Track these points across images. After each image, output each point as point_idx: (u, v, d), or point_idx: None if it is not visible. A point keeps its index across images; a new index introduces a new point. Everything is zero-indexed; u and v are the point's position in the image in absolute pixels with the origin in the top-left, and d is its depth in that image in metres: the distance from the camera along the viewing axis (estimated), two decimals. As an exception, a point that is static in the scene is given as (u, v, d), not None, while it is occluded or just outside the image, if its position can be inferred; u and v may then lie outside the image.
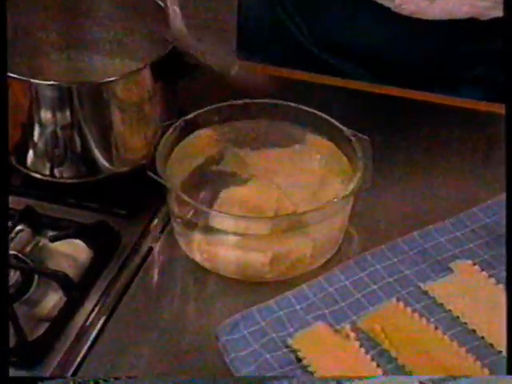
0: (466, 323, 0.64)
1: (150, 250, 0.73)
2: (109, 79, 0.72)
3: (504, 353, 0.62)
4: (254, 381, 0.58)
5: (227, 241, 0.70)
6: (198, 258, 0.72)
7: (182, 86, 0.81)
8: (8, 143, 0.71)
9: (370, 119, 0.82)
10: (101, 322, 0.66)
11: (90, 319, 0.66)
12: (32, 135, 0.74)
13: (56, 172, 0.77)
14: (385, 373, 0.61)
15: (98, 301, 0.68)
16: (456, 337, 0.63)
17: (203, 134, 0.77)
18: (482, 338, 0.63)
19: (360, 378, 0.57)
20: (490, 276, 0.68)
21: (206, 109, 0.76)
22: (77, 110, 0.72)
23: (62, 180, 0.77)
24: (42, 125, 0.73)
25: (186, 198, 0.69)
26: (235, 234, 0.70)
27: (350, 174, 0.71)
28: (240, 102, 0.77)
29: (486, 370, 0.61)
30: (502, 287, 0.67)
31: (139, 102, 0.75)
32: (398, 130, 0.84)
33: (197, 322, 0.68)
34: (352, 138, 0.71)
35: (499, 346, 0.62)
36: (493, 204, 0.75)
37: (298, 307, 0.67)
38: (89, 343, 0.65)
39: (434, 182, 0.79)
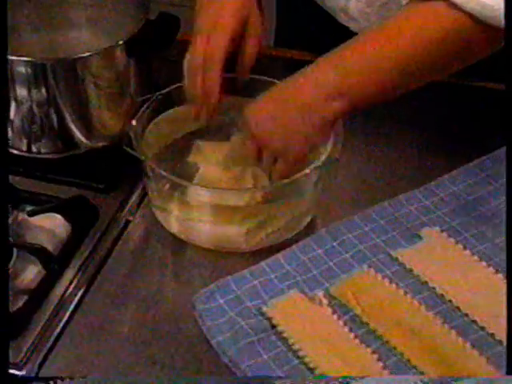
0: (434, 288, 0.64)
1: (128, 223, 0.72)
2: (83, 55, 0.70)
3: (470, 316, 0.62)
4: (256, 381, 0.56)
5: (204, 213, 0.69)
6: (174, 229, 0.71)
7: (157, 62, 0.80)
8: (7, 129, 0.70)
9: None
10: (80, 293, 0.65)
11: (69, 291, 0.65)
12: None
13: (33, 148, 0.75)
14: (356, 337, 0.61)
15: (77, 273, 0.67)
16: (424, 301, 0.63)
17: (179, 109, 0.75)
18: (450, 301, 0.63)
19: (363, 377, 0.56)
20: (458, 242, 0.68)
21: (181, 84, 0.74)
22: (52, 87, 0.70)
23: (39, 155, 0.76)
24: (17, 101, 0.71)
25: (162, 171, 0.67)
26: (211, 206, 0.69)
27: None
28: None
29: (454, 332, 0.60)
30: (468, 253, 0.67)
31: (114, 77, 0.73)
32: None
33: (174, 292, 0.67)
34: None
35: (466, 309, 0.62)
36: (460, 172, 0.74)
37: (272, 276, 0.66)
38: (68, 314, 0.64)
39: (403, 153, 0.78)
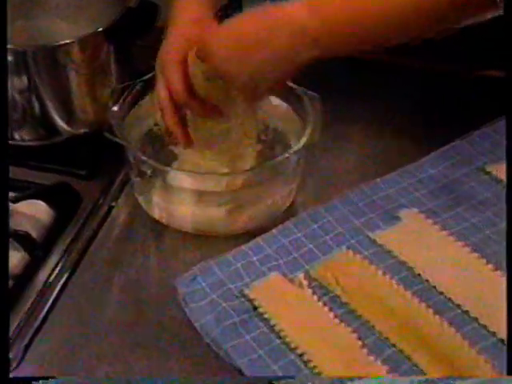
0: (412, 268, 0.65)
1: (111, 208, 0.72)
2: (63, 42, 0.69)
3: (446, 295, 0.62)
4: (259, 381, 0.56)
5: (185, 197, 0.69)
6: (156, 214, 0.71)
7: (138, 49, 0.79)
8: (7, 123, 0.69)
9: (322, 80, 0.81)
10: (63, 278, 0.65)
11: (53, 276, 0.65)
12: (-11, 99, 0.72)
13: (16, 135, 0.75)
14: (336, 317, 0.61)
15: (61, 259, 0.67)
16: (403, 281, 0.64)
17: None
18: (427, 281, 0.64)
19: (361, 378, 0.55)
20: (435, 223, 0.68)
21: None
22: (33, 74, 0.70)
23: (22, 143, 0.75)
24: (-2, 89, 0.71)
25: (143, 156, 0.67)
26: (192, 190, 0.69)
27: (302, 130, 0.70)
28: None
29: (430, 311, 0.61)
30: (445, 233, 0.67)
31: (95, 64, 0.73)
32: (348, 88, 0.83)
33: (157, 276, 0.67)
34: (303, 96, 0.70)
35: (442, 288, 0.63)
36: (437, 155, 0.75)
37: (253, 259, 0.66)
38: (52, 299, 0.64)
39: (382, 137, 0.79)
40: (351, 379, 0.54)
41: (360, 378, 0.55)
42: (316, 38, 0.60)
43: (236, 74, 0.63)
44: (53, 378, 0.56)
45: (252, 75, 0.63)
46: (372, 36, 0.62)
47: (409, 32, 0.62)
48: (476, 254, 0.65)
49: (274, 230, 0.69)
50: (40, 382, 0.56)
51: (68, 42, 0.69)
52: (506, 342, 0.59)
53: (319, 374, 0.57)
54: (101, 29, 0.71)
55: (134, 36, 0.75)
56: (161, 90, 0.66)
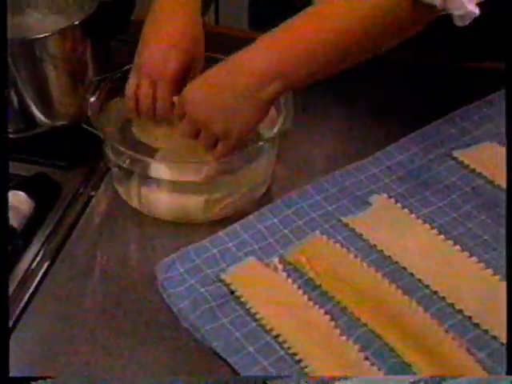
0: (382, 250, 0.65)
1: (90, 198, 0.72)
2: (40, 36, 0.68)
3: (416, 275, 0.63)
4: (256, 381, 0.56)
5: (163, 186, 0.69)
6: (135, 203, 0.70)
7: (115, 43, 0.78)
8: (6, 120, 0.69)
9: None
10: (44, 267, 0.65)
11: (34, 265, 0.65)
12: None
13: (-5, 128, 0.73)
14: (310, 299, 0.61)
15: (41, 248, 0.66)
16: (373, 263, 0.64)
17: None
18: (397, 262, 0.64)
19: (353, 378, 0.55)
20: (404, 207, 0.69)
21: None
22: (10, 67, 0.69)
23: (1, 135, 0.74)
24: (-24, 83, 0.70)
25: (121, 147, 0.67)
26: (170, 180, 0.68)
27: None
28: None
29: (400, 291, 0.61)
30: (413, 216, 0.68)
31: (72, 58, 0.72)
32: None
33: (136, 263, 0.67)
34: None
35: (411, 269, 0.63)
36: (404, 142, 0.75)
37: (230, 245, 0.66)
38: (33, 288, 0.63)
39: (353, 125, 0.79)
40: (341, 379, 0.54)
41: (348, 377, 0.54)
42: (272, 75, 0.62)
43: (211, 121, 0.64)
44: (53, 378, 0.56)
45: (226, 119, 0.64)
46: (322, 65, 0.63)
47: (361, 52, 0.64)
48: (443, 236, 0.66)
49: (249, 217, 0.69)
50: (40, 381, 0.55)
51: (45, 35, 0.68)
52: (472, 320, 0.59)
53: (294, 354, 0.58)
54: (77, 22, 0.70)
55: (110, 30, 0.74)
56: (146, 97, 0.68)
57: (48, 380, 0.55)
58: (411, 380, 0.53)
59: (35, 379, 0.55)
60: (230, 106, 0.63)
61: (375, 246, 0.65)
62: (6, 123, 0.70)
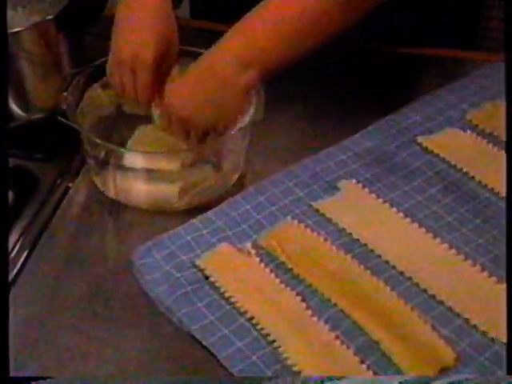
0: (351, 234, 0.65)
1: (68, 189, 0.71)
2: (13, 31, 0.67)
3: (383, 257, 0.63)
4: (246, 381, 0.55)
5: (138, 176, 0.69)
6: (112, 193, 0.70)
7: (89, 37, 0.78)
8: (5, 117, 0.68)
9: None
10: (23, 257, 0.64)
11: (12, 255, 0.64)
12: None
13: (-28, 122, 0.72)
14: (282, 282, 0.61)
15: (19, 238, 0.65)
16: (342, 246, 0.64)
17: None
18: (365, 245, 0.64)
19: (343, 378, 0.54)
20: (371, 192, 0.69)
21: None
22: (-15, 62, 0.67)
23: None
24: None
25: (96, 139, 0.66)
26: (145, 169, 0.68)
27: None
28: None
29: (368, 272, 0.62)
30: (381, 201, 0.68)
31: (46, 52, 0.71)
32: (295, 68, 0.82)
33: (114, 251, 0.67)
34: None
35: (379, 251, 0.64)
36: (372, 129, 0.75)
37: (204, 231, 0.66)
38: (11, 278, 0.63)
39: (321, 114, 0.79)
40: (333, 379, 0.54)
41: (341, 378, 0.54)
42: (248, 61, 0.62)
43: (200, 114, 0.64)
44: (53, 378, 0.55)
45: (213, 110, 0.64)
46: (296, 49, 0.64)
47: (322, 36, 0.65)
48: (409, 219, 0.66)
49: (223, 204, 0.68)
50: (40, 381, 0.55)
51: (18, 30, 0.67)
52: (436, 298, 0.60)
53: (267, 335, 0.58)
54: (50, 17, 0.69)
55: (83, 24, 0.73)
56: (128, 85, 0.67)
57: (49, 380, 0.55)
58: (400, 380, 0.53)
59: (35, 379, 0.55)
60: (214, 96, 0.63)
61: (344, 229, 0.66)
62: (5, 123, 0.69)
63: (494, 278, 0.61)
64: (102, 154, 0.68)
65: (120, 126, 0.73)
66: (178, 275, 0.62)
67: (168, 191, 0.68)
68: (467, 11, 0.86)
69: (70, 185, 0.71)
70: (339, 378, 0.53)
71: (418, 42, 0.83)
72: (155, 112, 0.69)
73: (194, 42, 0.71)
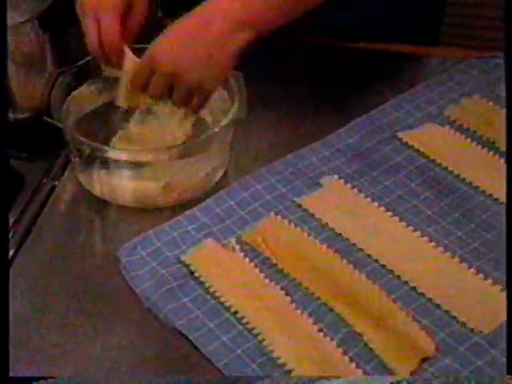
0: (333, 228, 0.65)
1: (53, 188, 0.71)
2: (-3, 31, 0.66)
3: (365, 251, 0.63)
4: (236, 381, 0.55)
5: (123, 173, 0.68)
6: (97, 191, 0.69)
7: (73, 37, 0.77)
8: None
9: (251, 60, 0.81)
10: (9, 256, 0.64)
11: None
12: None
13: (-43, 122, 0.71)
14: (266, 276, 0.61)
15: (6, 236, 0.65)
16: (325, 241, 0.64)
17: (97, 79, 0.73)
18: (347, 239, 0.65)
19: (337, 377, 0.54)
20: (353, 187, 0.69)
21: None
22: (-31, 62, 0.67)
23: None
24: None
25: (81, 137, 0.66)
26: (130, 167, 0.68)
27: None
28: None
29: (351, 266, 0.62)
30: (362, 196, 0.68)
31: (30, 52, 0.70)
32: (274, 67, 0.83)
33: (100, 248, 0.67)
34: (228, 76, 0.69)
35: (361, 245, 0.64)
36: (353, 126, 0.75)
37: (189, 228, 0.66)
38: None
39: (304, 111, 0.79)
40: (324, 379, 0.54)
41: (331, 378, 0.54)
42: (244, 22, 0.61)
43: (185, 71, 0.62)
44: (53, 378, 0.55)
45: (200, 68, 0.62)
46: (290, 10, 0.63)
47: None
48: (390, 213, 0.67)
49: (207, 200, 0.68)
50: (41, 382, 0.54)
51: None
52: (417, 290, 0.60)
53: (252, 329, 0.58)
54: (34, 16, 0.68)
55: (67, 24, 0.72)
56: (92, 33, 0.64)
57: (50, 380, 0.55)
58: (392, 381, 0.53)
59: (36, 379, 0.55)
60: (203, 55, 0.62)
61: (327, 224, 0.66)
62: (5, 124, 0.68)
63: (472, 270, 0.62)
64: (87, 152, 0.68)
65: (104, 123, 0.72)
66: (164, 271, 0.62)
67: (153, 188, 0.68)
68: (431, 8, 0.86)
69: (56, 183, 0.71)
70: (329, 379, 0.53)
71: (395, 39, 0.83)
72: (127, 67, 0.66)
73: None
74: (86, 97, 0.72)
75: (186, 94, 0.64)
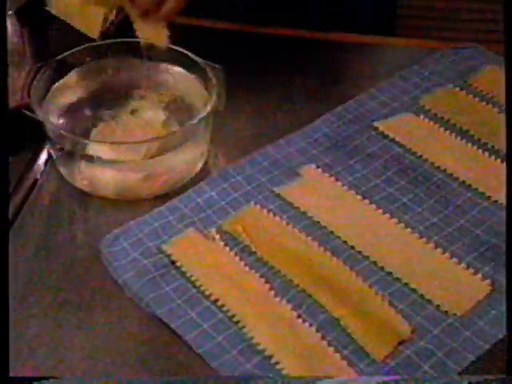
0: (311, 217, 0.65)
1: (35, 182, 0.70)
2: (-25, 26, 0.65)
3: (342, 238, 0.63)
4: (234, 381, 0.55)
5: (104, 166, 0.68)
6: (79, 184, 0.69)
7: (54, 32, 0.76)
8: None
9: (220, 54, 0.80)
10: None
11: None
12: None
13: None
14: (246, 265, 0.61)
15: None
16: (304, 229, 0.64)
17: (77, 73, 0.72)
18: (325, 227, 0.65)
19: (333, 377, 0.54)
20: (330, 176, 0.69)
21: (76, 49, 0.72)
22: None
23: None
24: None
25: (61, 131, 0.66)
26: (111, 159, 0.67)
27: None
28: (109, 41, 0.73)
29: (328, 253, 0.62)
30: (340, 184, 0.68)
31: (9, 47, 0.69)
32: (254, 59, 0.82)
33: (83, 240, 0.66)
34: (205, 67, 0.69)
35: (338, 233, 0.64)
36: (329, 116, 0.75)
37: (170, 218, 0.65)
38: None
39: (281, 102, 0.78)
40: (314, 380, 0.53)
41: (324, 378, 0.54)
42: None
43: None
44: (53, 378, 0.54)
45: None
46: None
47: None
48: (367, 201, 0.67)
49: (188, 191, 0.68)
50: (42, 381, 0.53)
51: (-20, 25, 0.66)
52: (392, 275, 0.60)
53: (232, 316, 0.58)
54: (11, 12, 0.67)
55: (45, 18, 0.71)
56: None
57: (51, 380, 0.54)
58: (385, 379, 0.53)
59: (36, 379, 0.54)
60: None
61: (305, 213, 0.66)
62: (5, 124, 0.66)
63: (447, 255, 0.62)
64: (67, 145, 0.67)
65: (85, 116, 0.72)
66: (146, 261, 0.61)
67: (134, 180, 0.68)
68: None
69: (38, 177, 0.70)
70: (321, 379, 0.53)
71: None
72: None
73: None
74: (67, 90, 0.72)
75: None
